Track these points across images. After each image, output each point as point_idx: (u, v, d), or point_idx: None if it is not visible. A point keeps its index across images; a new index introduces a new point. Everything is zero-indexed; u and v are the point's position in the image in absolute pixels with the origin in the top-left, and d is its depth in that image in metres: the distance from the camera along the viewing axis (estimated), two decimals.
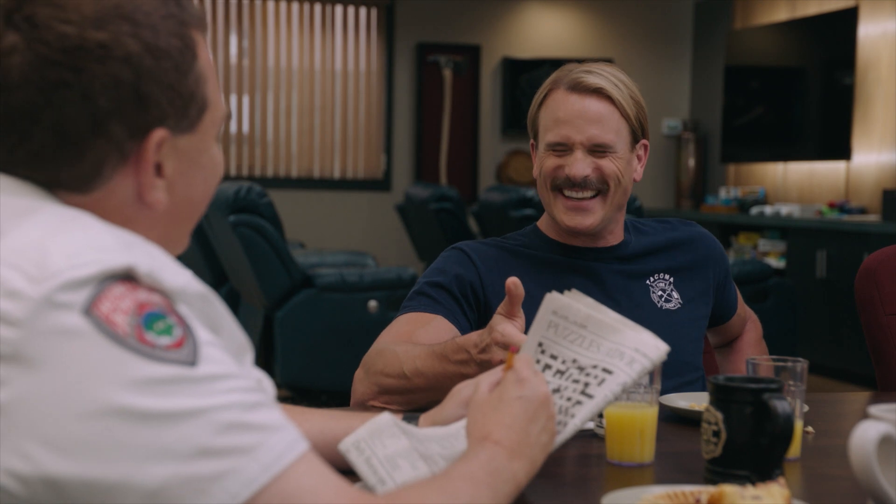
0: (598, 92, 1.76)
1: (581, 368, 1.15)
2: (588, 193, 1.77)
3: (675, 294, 1.84)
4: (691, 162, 7.90)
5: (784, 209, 6.55)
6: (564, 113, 1.76)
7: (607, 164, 1.77)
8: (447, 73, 7.35)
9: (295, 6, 7.60)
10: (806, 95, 6.90)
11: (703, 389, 1.82)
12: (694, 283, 1.88)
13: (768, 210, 6.71)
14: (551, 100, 1.79)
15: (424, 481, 0.93)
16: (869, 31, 6.40)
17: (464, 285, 1.75)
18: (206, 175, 0.96)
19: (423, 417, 1.26)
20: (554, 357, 1.18)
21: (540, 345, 1.20)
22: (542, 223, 1.88)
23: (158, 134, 0.89)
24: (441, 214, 5.84)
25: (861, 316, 2.07)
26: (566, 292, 1.22)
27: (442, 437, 1.15)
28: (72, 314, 0.79)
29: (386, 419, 1.10)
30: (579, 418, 1.11)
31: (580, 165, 1.75)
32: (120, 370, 0.79)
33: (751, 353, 2.01)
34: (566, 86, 1.77)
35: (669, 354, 1.74)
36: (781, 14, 7.22)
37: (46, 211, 0.87)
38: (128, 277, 0.82)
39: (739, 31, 7.50)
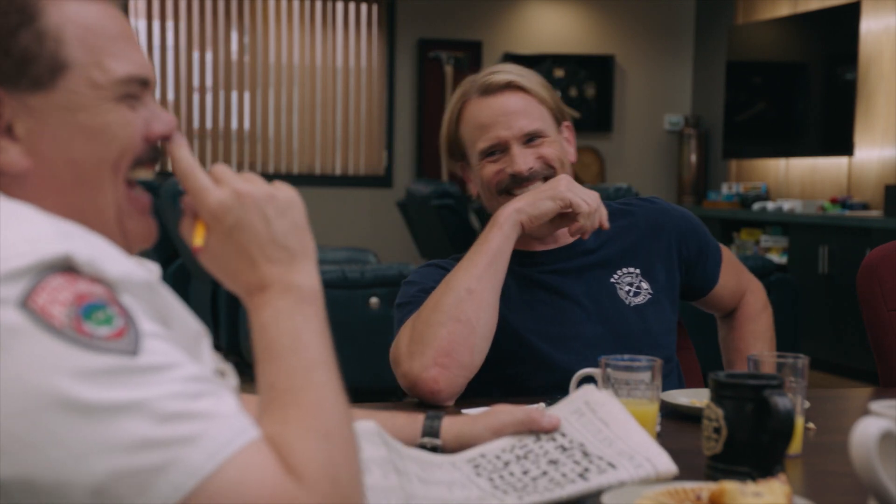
0: (510, 86, 1.79)
1: (586, 455, 1.16)
2: (536, 183, 1.77)
3: (644, 285, 1.82)
4: (693, 157, 7.89)
5: (786, 205, 6.55)
6: (486, 116, 1.77)
7: (546, 150, 1.79)
8: (448, 70, 7.35)
9: (296, 2, 7.59)
10: (808, 91, 6.89)
11: (678, 383, 1.82)
12: (662, 269, 1.85)
13: (770, 206, 6.71)
14: (467, 112, 1.80)
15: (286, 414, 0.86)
16: (871, 26, 6.39)
17: None
18: (92, 139, 0.92)
19: (449, 422, 1.25)
20: (563, 435, 1.20)
21: None
22: None
23: None
24: (442, 211, 5.84)
25: (863, 312, 2.07)
26: (604, 390, 1.26)
27: (424, 461, 1.15)
28: (7, 309, 0.77)
29: (371, 427, 1.09)
30: (567, 492, 1.11)
31: (521, 159, 1.76)
32: (57, 362, 0.77)
33: (750, 329, 1.98)
34: (477, 93, 1.80)
35: (645, 350, 1.76)
36: (783, 9, 7.21)
37: None
38: (67, 268, 0.81)
39: (741, 27, 7.49)
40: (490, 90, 1.78)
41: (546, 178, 1.78)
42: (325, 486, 0.82)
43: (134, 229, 0.98)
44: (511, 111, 1.77)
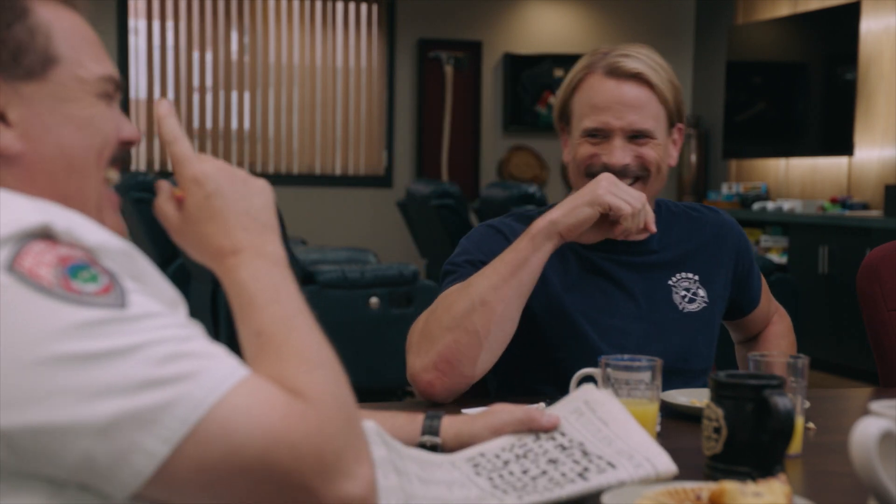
0: (637, 77, 1.72)
1: (585, 454, 1.16)
2: (626, 181, 1.72)
3: (700, 293, 1.80)
4: (693, 157, 7.89)
5: (786, 205, 6.55)
6: (602, 99, 1.72)
7: (648, 152, 1.73)
8: (448, 70, 7.35)
9: (296, 2, 7.59)
10: (808, 91, 6.90)
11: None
12: (720, 280, 1.84)
13: (770, 206, 6.71)
14: (586, 84, 1.75)
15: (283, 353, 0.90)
16: (871, 26, 6.39)
17: None
18: (80, 128, 0.98)
19: (448, 421, 1.25)
20: (563, 434, 1.20)
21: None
22: None
23: None
24: (442, 211, 5.83)
25: (863, 312, 2.07)
26: (602, 390, 1.26)
27: (424, 461, 1.15)
28: None
29: (371, 427, 1.10)
30: (566, 491, 1.11)
31: (620, 153, 1.72)
32: (51, 319, 0.81)
33: (778, 343, 1.96)
34: (603, 70, 1.73)
35: (685, 361, 1.75)
36: (783, 9, 7.21)
37: None
38: (46, 236, 0.85)
39: (741, 27, 7.49)
40: (616, 74, 1.72)
41: (637, 179, 1.74)
42: (331, 403, 0.87)
43: (110, 223, 1.03)
44: (628, 103, 1.71)
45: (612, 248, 1.79)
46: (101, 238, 0.89)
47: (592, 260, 1.78)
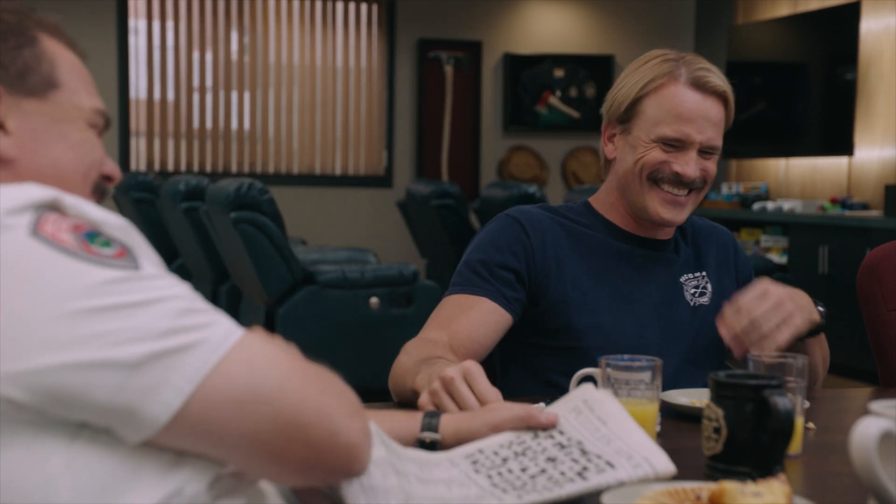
0: (721, 95, 1.78)
1: (584, 452, 1.16)
2: (686, 190, 1.78)
3: (709, 286, 1.87)
4: None
5: (786, 205, 6.55)
6: (687, 110, 1.75)
7: (711, 166, 1.80)
8: (448, 70, 7.35)
9: (296, 2, 7.60)
10: (808, 91, 6.90)
11: None
12: (724, 278, 1.90)
13: (770, 206, 6.71)
14: (668, 92, 1.76)
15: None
16: (871, 26, 6.39)
17: (517, 261, 1.76)
18: (72, 147, 1.06)
19: (447, 418, 1.25)
20: (561, 433, 1.21)
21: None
22: (600, 203, 1.87)
23: None
24: (442, 211, 5.83)
25: (863, 312, 2.07)
26: (601, 390, 1.27)
27: (423, 461, 1.15)
28: (20, 236, 0.89)
29: (371, 428, 1.10)
30: (565, 491, 1.11)
31: (694, 166, 1.76)
32: (78, 278, 0.89)
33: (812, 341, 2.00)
34: (688, 81, 1.76)
35: (694, 353, 1.78)
36: (783, 9, 7.21)
37: None
38: (57, 209, 0.94)
39: (741, 27, 7.49)
40: (703, 88, 1.76)
41: (692, 191, 1.79)
42: (328, 373, 1.00)
43: None
44: (710, 119, 1.77)
45: (633, 240, 1.85)
46: (102, 214, 0.96)
47: (617, 247, 1.83)
